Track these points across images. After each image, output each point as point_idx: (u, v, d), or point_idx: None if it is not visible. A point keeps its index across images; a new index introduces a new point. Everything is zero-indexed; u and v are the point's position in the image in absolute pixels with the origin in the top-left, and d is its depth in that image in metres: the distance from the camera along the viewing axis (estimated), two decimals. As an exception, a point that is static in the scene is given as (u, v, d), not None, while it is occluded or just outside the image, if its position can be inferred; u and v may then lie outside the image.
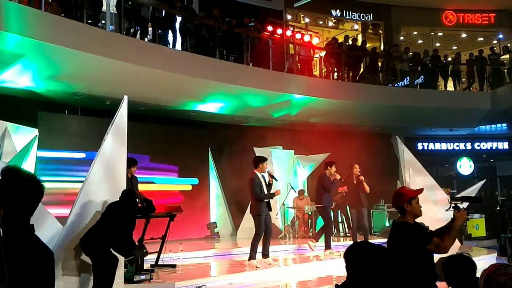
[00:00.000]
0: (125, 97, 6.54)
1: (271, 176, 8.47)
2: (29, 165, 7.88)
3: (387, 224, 12.77)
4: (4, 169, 2.18)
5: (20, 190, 2.13)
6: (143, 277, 6.78)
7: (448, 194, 12.46)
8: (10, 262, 1.96)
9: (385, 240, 11.66)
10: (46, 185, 2.24)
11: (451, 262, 3.29)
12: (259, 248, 8.44)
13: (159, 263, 8.07)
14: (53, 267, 2.18)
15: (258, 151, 12.94)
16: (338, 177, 9.72)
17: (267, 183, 8.42)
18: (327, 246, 9.65)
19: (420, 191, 4.23)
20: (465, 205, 4.32)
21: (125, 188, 6.41)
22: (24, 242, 2.07)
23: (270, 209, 8.49)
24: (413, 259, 3.87)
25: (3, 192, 2.11)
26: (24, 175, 2.21)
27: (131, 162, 7.73)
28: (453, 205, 4.13)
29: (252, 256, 8.32)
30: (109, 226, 5.74)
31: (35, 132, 8.61)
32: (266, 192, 8.33)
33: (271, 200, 8.70)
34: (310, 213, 13.13)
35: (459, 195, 11.52)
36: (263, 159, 8.58)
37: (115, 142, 6.25)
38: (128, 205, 6.06)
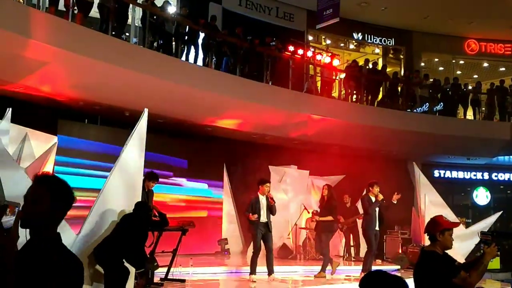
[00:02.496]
0: (146, 110, 6.60)
1: (271, 199, 8.75)
2: (47, 172, 7.95)
3: (399, 250, 12.60)
4: (39, 177, 2.17)
5: (56, 198, 2.11)
6: (152, 290, 6.78)
7: (464, 224, 12.31)
8: (42, 271, 1.95)
9: (397, 267, 11.59)
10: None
11: None
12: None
13: (168, 277, 8.06)
14: (82, 277, 2.14)
15: (273, 170, 12.95)
16: (380, 197, 9.42)
17: (268, 205, 8.72)
18: (364, 271, 9.29)
19: (457, 224, 4.18)
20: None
21: (140, 200, 6.44)
22: (54, 253, 2.04)
23: (269, 230, 8.72)
24: None
25: (40, 199, 2.09)
26: (59, 184, 2.18)
27: (152, 177, 7.76)
28: (483, 239, 4.06)
29: (251, 272, 8.66)
30: (122, 237, 5.76)
31: (54, 139, 8.69)
32: (262, 212, 8.65)
33: (275, 219, 9.04)
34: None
35: (474, 227, 11.40)
36: (263, 182, 8.91)
37: (134, 154, 6.30)
38: (141, 217, 6.08)
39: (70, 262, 2.09)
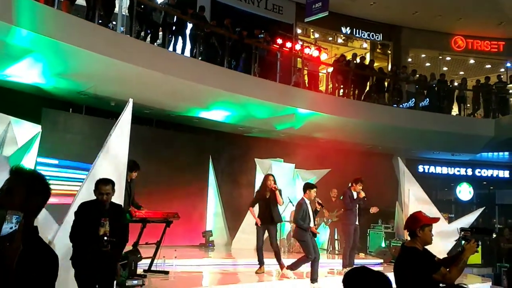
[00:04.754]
0: (130, 100, 6.53)
1: (319, 203, 8.50)
2: (29, 161, 7.87)
3: (383, 244, 12.71)
4: (14, 168, 2.15)
5: (31, 191, 2.10)
6: (135, 282, 6.72)
7: (446, 219, 12.43)
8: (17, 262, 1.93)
9: (380, 260, 11.68)
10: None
11: None
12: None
13: (152, 269, 8.03)
14: (57, 270, 2.14)
15: (259, 162, 12.94)
16: (362, 195, 9.51)
17: (313, 209, 8.46)
18: (344, 265, 9.51)
19: (436, 220, 4.18)
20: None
21: (124, 190, 6.36)
22: (30, 245, 2.02)
23: (314, 235, 8.44)
24: (417, 286, 3.84)
25: (14, 191, 2.07)
26: (35, 176, 2.18)
27: (134, 167, 7.67)
28: (462, 235, 4.08)
29: (314, 279, 8.22)
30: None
31: (38, 128, 8.59)
32: (311, 217, 8.33)
33: None
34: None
35: (455, 222, 11.51)
36: (312, 186, 8.57)
37: (117, 145, 6.23)
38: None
39: (45, 255, 2.09)
